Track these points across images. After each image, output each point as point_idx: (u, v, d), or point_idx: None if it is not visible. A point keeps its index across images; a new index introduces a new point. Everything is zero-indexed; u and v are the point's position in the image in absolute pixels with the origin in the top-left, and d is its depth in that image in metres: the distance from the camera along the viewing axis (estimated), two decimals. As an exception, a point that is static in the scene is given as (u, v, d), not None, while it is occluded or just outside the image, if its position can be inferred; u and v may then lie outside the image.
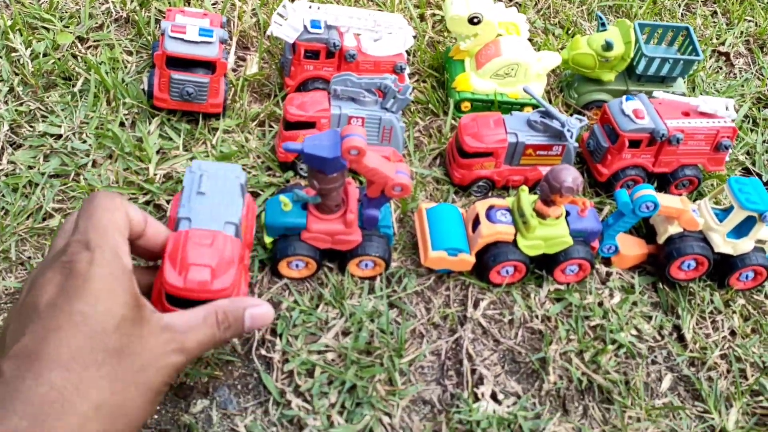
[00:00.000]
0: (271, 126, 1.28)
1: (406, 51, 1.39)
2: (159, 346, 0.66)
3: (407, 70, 1.34)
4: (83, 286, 0.61)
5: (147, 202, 1.11)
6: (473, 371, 1.00)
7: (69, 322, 0.59)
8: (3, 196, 1.07)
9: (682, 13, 1.78)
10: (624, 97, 1.23)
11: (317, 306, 1.03)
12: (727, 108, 1.22)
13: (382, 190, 1.00)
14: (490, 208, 1.09)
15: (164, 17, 1.39)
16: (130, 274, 0.66)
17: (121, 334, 0.62)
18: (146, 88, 1.23)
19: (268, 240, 1.05)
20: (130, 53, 1.35)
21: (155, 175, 1.14)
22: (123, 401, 0.61)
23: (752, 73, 1.63)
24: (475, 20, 1.31)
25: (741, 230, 1.09)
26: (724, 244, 1.09)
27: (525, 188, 1.07)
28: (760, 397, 1.02)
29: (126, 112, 1.23)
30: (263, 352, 0.97)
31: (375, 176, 0.97)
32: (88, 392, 0.58)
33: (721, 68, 1.64)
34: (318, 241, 1.03)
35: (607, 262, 1.16)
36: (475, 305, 1.07)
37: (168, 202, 1.12)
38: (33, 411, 0.55)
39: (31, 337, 0.58)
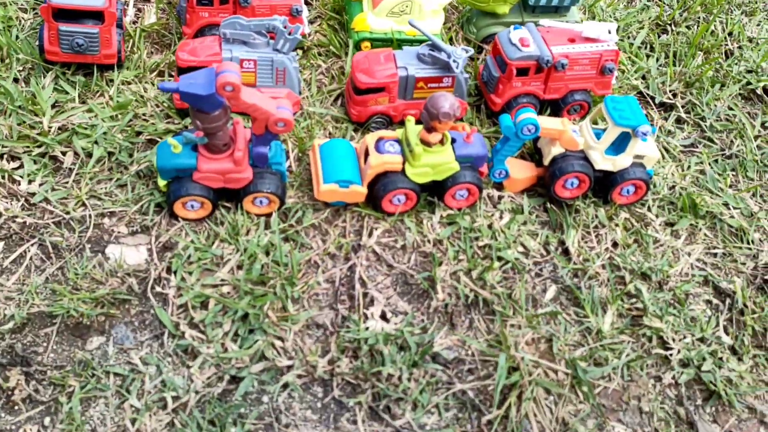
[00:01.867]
0: (171, 76, 1.30)
1: (305, -6, 1.40)
2: None
3: (305, 13, 1.35)
4: None
5: (42, 155, 1.12)
6: (365, 295, 1.05)
7: None
8: None
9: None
10: (512, 27, 1.26)
11: (213, 243, 1.06)
12: (609, 32, 1.26)
13: (266, 126, 1.03)
14: (380, 140, 1.13)
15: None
16: None
17: None
18: (38, 43, 1.23)
19: (161, 183, 1.07)
20: (25, 11, 1.34)
21: (50, 128, 1.15)
22: None
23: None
24: (366, -42, 1.32)
25: (620, 147, 1.15)
26: (603, 161, 1.15)
27: (411, 118, 1.11)
28: (634, 299, 1.08)
29: (20, 68, 1.23)
30: (159, 289, 1.00)
31: (256, 112, 1.00)
32: None
33: (622, -3, 1.68)
34: (210, 181, 1.06)
35: (499, 187, 1.21)
36: (370, 234, 1.12)
37: (64, 153, 1.13)
38: None
39: None
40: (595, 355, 1.00)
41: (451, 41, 1.44)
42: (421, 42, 1.39)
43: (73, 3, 1.16)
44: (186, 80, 0.95)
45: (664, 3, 1.66)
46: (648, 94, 1.43)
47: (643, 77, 1.47)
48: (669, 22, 1.60)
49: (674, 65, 1.48)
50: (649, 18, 1.61)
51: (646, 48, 1.54)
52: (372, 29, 1.37)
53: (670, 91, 1.44)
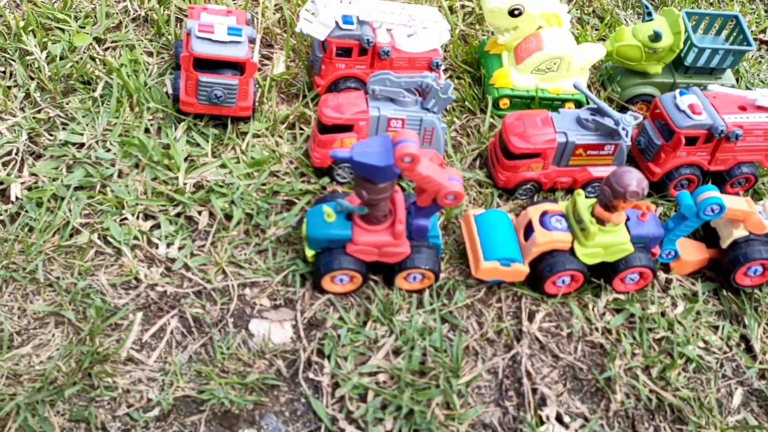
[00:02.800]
0: (301, 128, 1.21)
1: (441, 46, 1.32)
2: None
3: (443, 67, 1.27)
4: None
5: (178, 215, 1.04)
6: (534, 390, 0.93)
7: None
8: (26, 211, 1.00)
9: (719, 0, 1.70)
10: (677, 91, 1.16)
11: (365, 323, 0.96)
12: (787, 101, 1.15)
13: (433, 199, 0.93)
14: (544, 213, 1.02)
15: (186, 15, 1.32)
16: None
17: None
18: (171, 92, 1.16)
19: (309, 253, 0.98)
20: (150, 54, 1.28)
21: (185, 184, 1.07)
22: None
23: (797, 61, 1.56)
24: (516, 12, 1.23)
25: (810, 232, 1.03)
26: (793, 248, 1.03)
27: (581, 192, 1.01)
28: (840, 412, 0.96)
29: (150, 117, 1.16)
30: (310, 375, 0.91)
31: (428, 185, 0.90)
32: None
33: (763, 57, 1.57)
34: (364, 254, 0.96)
35: (665, 268, 1.09)
36: (530, 318, 1.01)
37: (199, 213, 1.05)
38: None
39: None
40: (811, 481, 0.87)
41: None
42: (563, 101, 1.29)
43: (216, 53, 1.09)
44: (359, 148, 0.86)
45: (813, 65, 1.54)
46: (810, 167, 1.31)
47: (800, 146, 1.35)
48: (820, 86, 1.49)
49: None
50: (798, 81, 1.49)
51: (798, 114, 1.42)
52: (514, 86, 1.28)
53: (833, 164, 1.31)
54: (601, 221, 0.99)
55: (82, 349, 0.87)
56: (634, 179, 0.93)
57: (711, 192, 1.01)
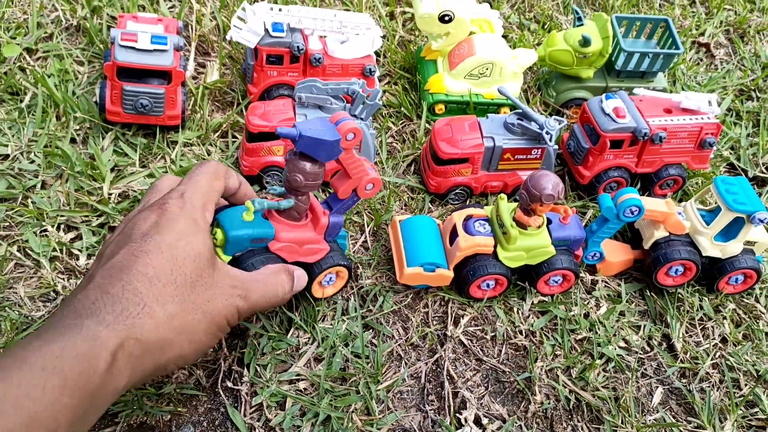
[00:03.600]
0: (234, 137, 1.21)
1: (375, 52, 1.33)
2: (226, 286, 0.77)
3: (377, 73, 1.28)
4: (172, 223, 0.74)
5: (101, 225, 1.04)
6: (455, 394, 0.94)
7: (156, 249, 0.71)
8: (-57, 224, 0.99)
9: (660, 4, 1.73)
10: (604, 95, 1.18)
11: (287, 331, 0.96)
12: (710, 103, 1.17)
13: (353, 190, 0.92)
14: (468, 218, 1.03)
15: (117, 24, 1.31)
16: (208, 227, 0.80)
17: (196, 266, 0.74)
18: (98, 101, 1.16)
19: (225, 258, 0.97)
20: (81, 63, 1.27)
21: (109, 195, 1.06)
22: (189, 321, 0.72)
23: (734, 63, 1.59)
24: (447, 18, 1.25)
25: (729, 232, 1.05)
26: (712, 248, 1.04)
27: (503, 196, 1.02)
28: (756, 409, 0.97)
29: (77, 127, 1.15)
30: (230, 384, 0.90)
31: (356, 168, 0.89)
32: (165, 303, 0.69)
33: (701, 60, 1.59)
34: (287, 252, 0.95)
35: (591, 269, 1.11)
36: (456, 322, 1.02)
37: (124, 223, 1.05)
38: (119, 309, 0.66)
39: (124, 255, 0.71)
40: (721, 478, 0.88)
41: (527, 104, 1.36)
42: (498, 106, 1.31)
43: (140, 62, 1.09)
44: (304, 125, 0.85)
45: (747, 68, 1.57)
46: (740, 167, 1.33)
47: (732, 148, 1.38)
48: (753, 88, 1.51)
49: (765, 136, 1.38)
50: (733, 83, 1.52)
51: (731, 115, 1.45)
52: (448, 91, 1.29)
53: (763, 164, 1.34)
54: (522, 225, 1.00)
55: (-7, 363, 0.86)
56: (550, 183, 0.94)
57: (630, 194, 1.02)
